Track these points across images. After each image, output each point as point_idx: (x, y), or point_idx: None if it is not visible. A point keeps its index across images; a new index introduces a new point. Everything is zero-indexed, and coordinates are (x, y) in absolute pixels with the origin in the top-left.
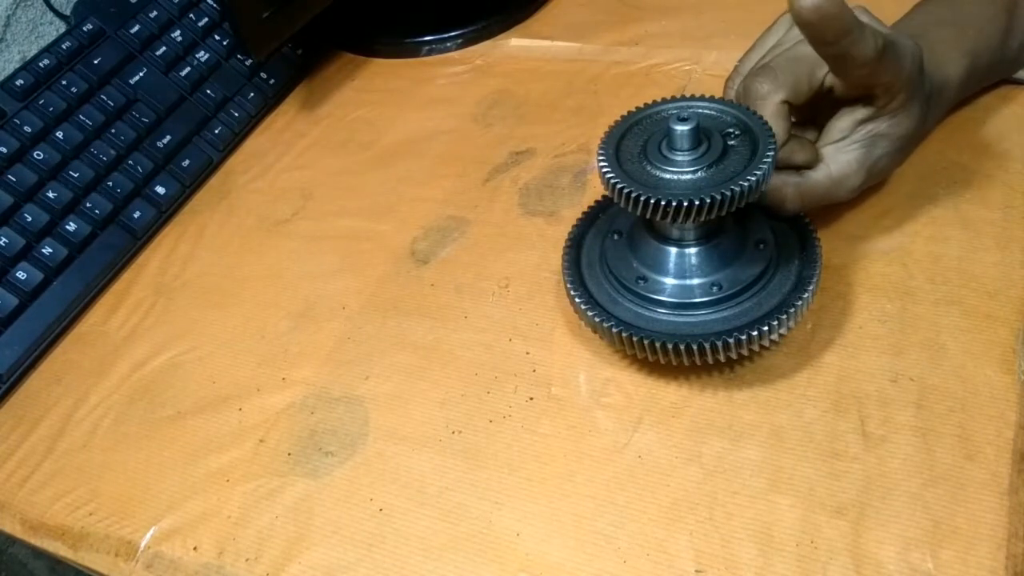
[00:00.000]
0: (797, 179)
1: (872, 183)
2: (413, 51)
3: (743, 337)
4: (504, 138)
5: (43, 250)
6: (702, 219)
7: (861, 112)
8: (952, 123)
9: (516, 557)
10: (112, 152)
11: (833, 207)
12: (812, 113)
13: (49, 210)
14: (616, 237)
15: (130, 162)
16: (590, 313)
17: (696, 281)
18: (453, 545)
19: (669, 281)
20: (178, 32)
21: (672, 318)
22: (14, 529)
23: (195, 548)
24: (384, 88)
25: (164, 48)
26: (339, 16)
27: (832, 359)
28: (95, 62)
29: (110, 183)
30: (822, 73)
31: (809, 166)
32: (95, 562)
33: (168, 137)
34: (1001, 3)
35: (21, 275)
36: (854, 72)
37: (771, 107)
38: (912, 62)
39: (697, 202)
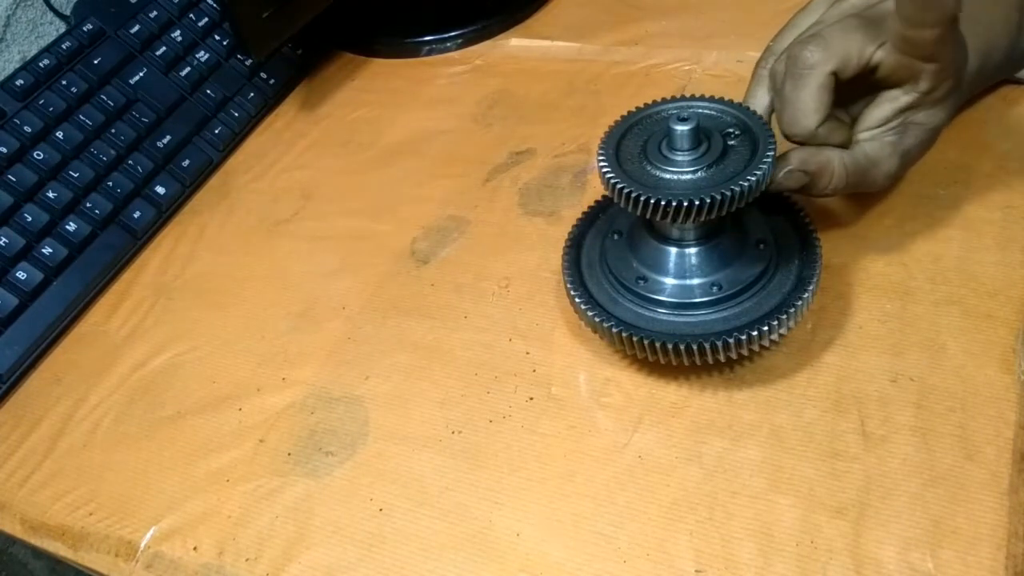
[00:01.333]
0: (842, 153)
1: (902, 173)
2: (413, 51)
3: (743, 337)
4: (504, 138)
5: (43, 250)
6: (702, 219)
7: (903, 99)
8: (953, 123)
9: (516, 557)
10: (112, 152)
11: (834, 205)
12: (840, 100)
13: (49, 210)
14: (616, 237)
15: (130, 162)
16: (590, 313)
17: (696, 281)
18: (453, 545)
19: (669, 281)
20: (178, 32)
21: (672, 318)
22: (14, 529)
23: (195, 548)
24: (384, 88)
25: (164, 48)
26: (339, 16)
27: (832, 359)
28: (95, 62)
29: (110, 183)
30: (871, 49)
31: (844, 147)
32: (95, 562)
33: (168, 137)
34: (1013, 2)
35: (21, 275)
36: (928, 33)
37: (819, 77)
38: (964, 50)
39: (697, 202)
